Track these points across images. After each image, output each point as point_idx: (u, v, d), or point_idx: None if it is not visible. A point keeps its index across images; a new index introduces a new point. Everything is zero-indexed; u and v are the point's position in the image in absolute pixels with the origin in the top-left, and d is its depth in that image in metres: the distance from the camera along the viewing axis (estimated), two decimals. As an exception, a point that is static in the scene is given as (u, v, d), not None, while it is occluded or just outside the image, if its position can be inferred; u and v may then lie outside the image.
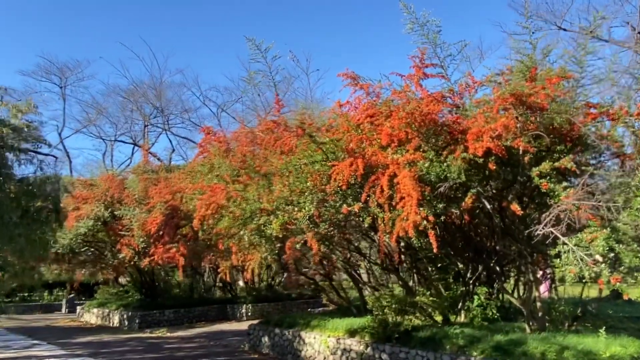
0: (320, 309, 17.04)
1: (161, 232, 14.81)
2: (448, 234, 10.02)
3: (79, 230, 17.32)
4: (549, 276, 11.07)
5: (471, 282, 10.82)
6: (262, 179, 8.51)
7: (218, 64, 60.51)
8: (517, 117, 7.88)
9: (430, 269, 11.48)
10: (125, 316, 19.31)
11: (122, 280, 24.91)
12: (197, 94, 48.84)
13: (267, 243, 8.88)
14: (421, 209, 7.28)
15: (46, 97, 59.74)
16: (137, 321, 18.41)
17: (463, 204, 7.76)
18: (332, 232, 8.44)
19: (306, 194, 7.92)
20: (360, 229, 9.06)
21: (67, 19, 56.72)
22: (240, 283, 25.56)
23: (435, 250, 7.36)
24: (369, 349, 9.96)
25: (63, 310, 27.69)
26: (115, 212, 17.96)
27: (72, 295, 28.47)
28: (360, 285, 13.04)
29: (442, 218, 8.67)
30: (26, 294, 29.58)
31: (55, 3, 56.01)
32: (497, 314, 10.28)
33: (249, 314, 19.59)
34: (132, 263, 18.32)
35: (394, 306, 9.96)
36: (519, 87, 7.53)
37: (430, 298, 10.05)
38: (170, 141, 36.20)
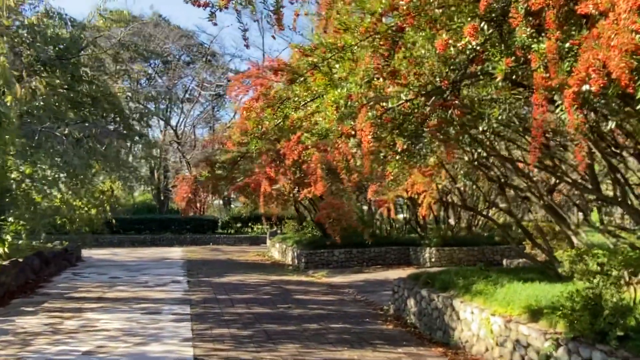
0: (520, 260, 11.92)
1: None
2: None
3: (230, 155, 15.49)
4: None
5: None
6: None
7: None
8: None
9: None
10: (295, 254, 17.37)
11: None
12: None
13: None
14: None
15: None
16: (303, 260, 16.21)
17: None
18: (420, 111, 3.76)
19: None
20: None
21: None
22: (452, 221, 21.27)
23: None
24: (560, 350, 5.13)
25: (267, 242, 27.90)
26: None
27: (274, 228, 28.47)
28: (569, 228, 7.73)
29: None
30: (239, 226, 30.93)
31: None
32: None
33: (433, 259, 15.47)
34: (290, 195, 16.06)
35: (614, 273, 4.82)
36: None
37: None
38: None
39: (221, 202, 36.43)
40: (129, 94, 11.41)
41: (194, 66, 37.49)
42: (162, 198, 34.94)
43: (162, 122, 36.16)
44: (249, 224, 31.57)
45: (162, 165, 34.58)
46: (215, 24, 3.63)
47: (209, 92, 35.86)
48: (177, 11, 62.84)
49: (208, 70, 36.60)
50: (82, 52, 10.53)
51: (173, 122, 36.98)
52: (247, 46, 4.12)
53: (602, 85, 2.52)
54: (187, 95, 38.34)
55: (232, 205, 35.01)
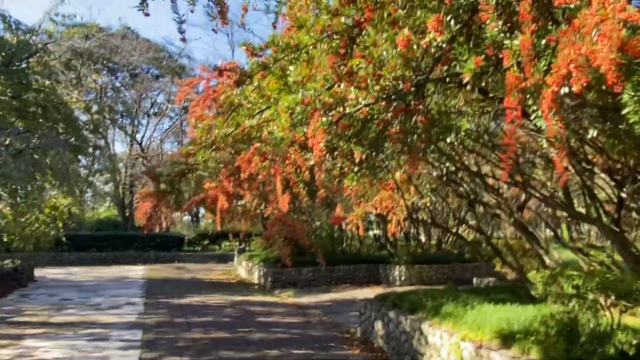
0: (491, 278, 11.66)
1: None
2: None
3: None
4: None
5: None
6: None
7: None
8: None
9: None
10: (262, 272, 16.75)
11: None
12: None
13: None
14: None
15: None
16: (269, 280, 15.60)
17: None
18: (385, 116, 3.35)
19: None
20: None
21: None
22: (422, 238, 21.00)
23: None
24: (534, 380, 4.76)
25: (235, 260, 27.11)
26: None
27: (243, 245, 27.70)
28: (539, 245, 7.45)
29: None
30: (206, 243, 29.98)
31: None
32: None
33: (403, 277, 15.09)
34: (257, 211, 15.51)
35: (591, 296, 4.50)
36: None
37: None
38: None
39: (189, 218, 35.48)
40: (91, 104, 10.75)
41: (163, 79, 36.74)
42: (127, 214, 33.74)
43: (128, 137, 35.16)
44: (217, 241, 30.64)
45: (127, 180, 33.46)
46: (147, 14, 3.18)
47: (178, 105, 35.07)
48: (146, 24, 62.04)
49: (177, 84, 35.88)
50: (31, 58, 9.88)
51: (139, 136, 36.01)
52: (183, 40, 3.67)
53: (585, 83, 2.18)
54: (154, 109, 37.51)
55: (200, 222, 34.07)
